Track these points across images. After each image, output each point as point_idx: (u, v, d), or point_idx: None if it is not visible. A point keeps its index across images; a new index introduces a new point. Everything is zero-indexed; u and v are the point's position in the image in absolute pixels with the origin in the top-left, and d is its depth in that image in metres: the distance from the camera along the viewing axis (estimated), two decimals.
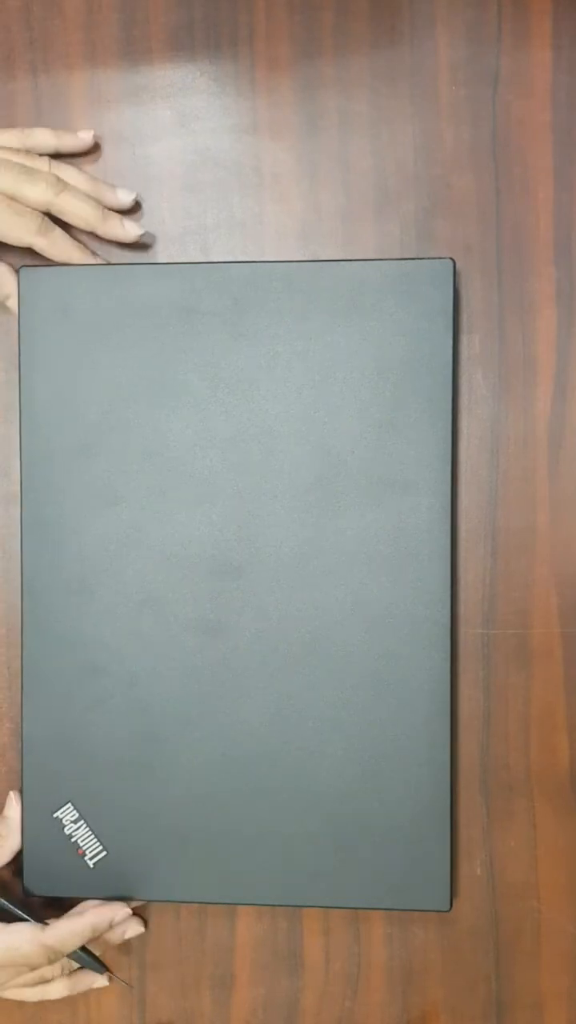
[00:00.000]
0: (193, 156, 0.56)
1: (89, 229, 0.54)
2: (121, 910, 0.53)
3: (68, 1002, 0.56)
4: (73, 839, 0.53)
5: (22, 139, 0.54)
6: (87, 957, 0.53)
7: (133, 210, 0.56)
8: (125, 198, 0.55)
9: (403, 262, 0.52)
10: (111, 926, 0.53)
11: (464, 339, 0.55)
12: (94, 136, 0.55)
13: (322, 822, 0.53)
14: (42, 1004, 0.55)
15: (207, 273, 0.52)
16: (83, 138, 0.55)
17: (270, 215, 0.56)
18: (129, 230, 0.54)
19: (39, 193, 0.52)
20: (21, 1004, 0.55)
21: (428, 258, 0.52)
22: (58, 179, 0.53)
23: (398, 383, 0.52)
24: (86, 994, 0.56)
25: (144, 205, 0.56)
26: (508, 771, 0.55)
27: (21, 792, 0.54)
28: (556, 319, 0.55)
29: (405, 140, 0.55)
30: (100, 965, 0.54)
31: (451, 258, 0.52)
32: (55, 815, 0.53)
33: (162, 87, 0.56)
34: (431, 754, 0.52)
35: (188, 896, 0.54)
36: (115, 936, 0.54)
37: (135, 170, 0.56)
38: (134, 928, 0.54)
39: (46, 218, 0.53)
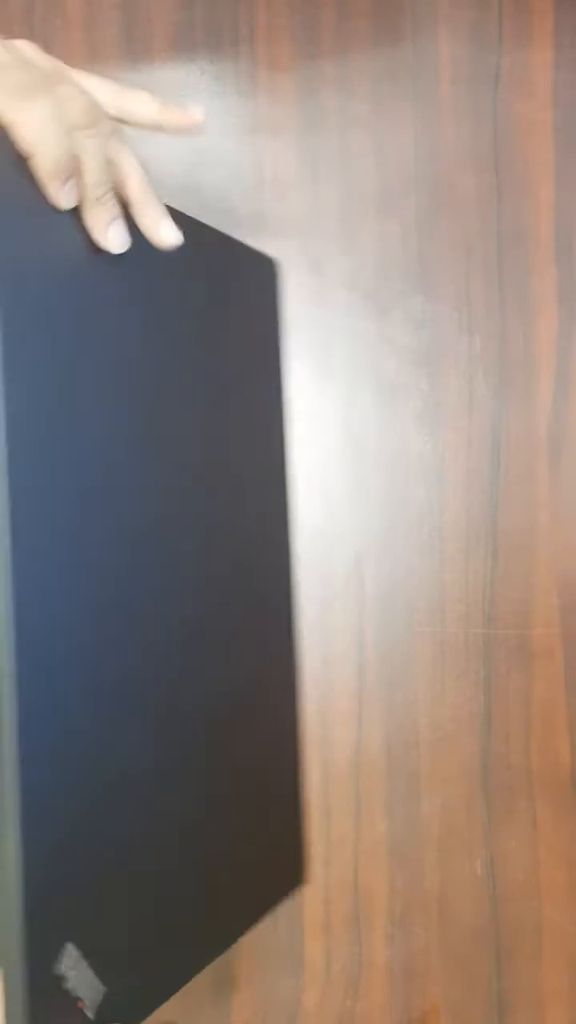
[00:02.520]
0: (193, 156, 0.56)
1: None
2: None
3: None
4: (74, 993, 0.39)
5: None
6: None
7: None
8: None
9: (236, 245, 0.48)
10: None
11: (465, 339, 0.55)
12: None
13: (203, 871, 0.45)
14: None
15: None
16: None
17: (271, 215, 0.56)
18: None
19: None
20: None
21: (256, 251, 0.49)
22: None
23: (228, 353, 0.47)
24: None
25: None
26: (509, 771, 0.55)
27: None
28: (557, 319, 0.55)
29: (406, 140, 0.55)
30: None
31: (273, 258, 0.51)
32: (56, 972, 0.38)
33: (163, 86, 0.56)
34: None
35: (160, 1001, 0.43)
36: None
37: None
38: None
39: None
